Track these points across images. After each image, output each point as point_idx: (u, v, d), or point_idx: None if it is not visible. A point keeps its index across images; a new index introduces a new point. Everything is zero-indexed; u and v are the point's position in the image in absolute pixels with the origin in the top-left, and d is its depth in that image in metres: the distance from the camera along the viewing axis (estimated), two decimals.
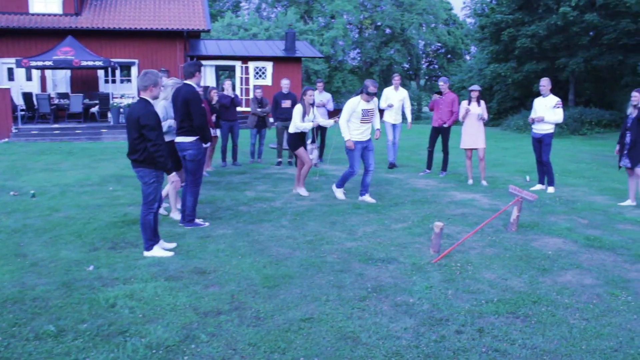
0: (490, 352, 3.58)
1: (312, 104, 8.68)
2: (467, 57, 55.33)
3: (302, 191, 8.66)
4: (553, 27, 25.42)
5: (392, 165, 11.81)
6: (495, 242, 6.14)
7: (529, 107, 28.62)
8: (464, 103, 9.99)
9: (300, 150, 8.59)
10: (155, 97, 5.41)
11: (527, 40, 26.45)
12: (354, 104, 7.88)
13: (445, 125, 10.59)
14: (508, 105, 31.11)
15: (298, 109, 8.43)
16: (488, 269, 5.22)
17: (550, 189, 9.43)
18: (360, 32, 51.56)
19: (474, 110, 9.81)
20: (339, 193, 8.41)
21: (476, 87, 10.07)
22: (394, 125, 11.59)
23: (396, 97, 11.43)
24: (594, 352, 3.64)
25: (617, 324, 4.11)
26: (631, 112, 8.24)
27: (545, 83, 9.38)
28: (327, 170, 11.05)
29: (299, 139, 8.62)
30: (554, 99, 9.28)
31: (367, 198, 8.16)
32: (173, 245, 5.71)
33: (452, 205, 8.05)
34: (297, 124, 8.42)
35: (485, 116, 9.93)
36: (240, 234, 6.21)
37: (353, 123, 7.96)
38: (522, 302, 4.41)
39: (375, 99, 8.17)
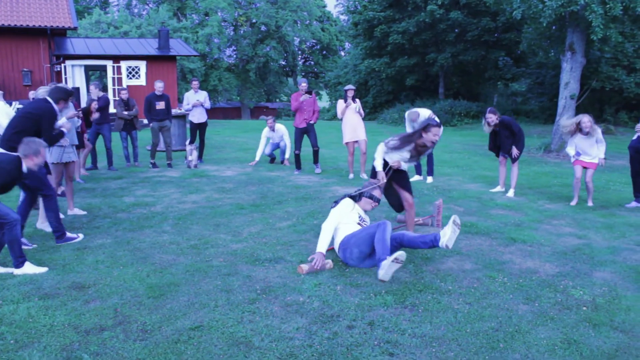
0: (382, 344, 3.64)
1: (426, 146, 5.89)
2: (342, 53, 56.57)
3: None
4: (422, 24, 26.64)
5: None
6: None
7: (403, 101, 29.83)
8: (341, 102, 10.25)
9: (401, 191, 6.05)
10: None
11: (399, 36, 27.53)
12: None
13: (311, 122, 10.40)
14: (383, 99, 32.21)
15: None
16: None
17: (430, 179, 9.86)
18: (236, 30, 51.06)
19: (351, 105, 10.09)
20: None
21: (351, 86, 10.37)
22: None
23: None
24: (478, 334, 3.81)
25: (497, 304, 4.34)
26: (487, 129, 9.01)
27: None
28: (208, 171, 10.81)
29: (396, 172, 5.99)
30: None
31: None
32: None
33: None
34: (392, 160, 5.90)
35: (362, 112, 10.25)
36: (121, 243, 5.90)
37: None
38: (409, 292, 4.53)
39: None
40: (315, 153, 10.75)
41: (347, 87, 10.36)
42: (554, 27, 17.19)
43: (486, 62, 28.23)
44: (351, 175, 10.28)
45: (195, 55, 29.11)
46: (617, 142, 19.34)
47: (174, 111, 14.36)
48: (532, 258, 5.57)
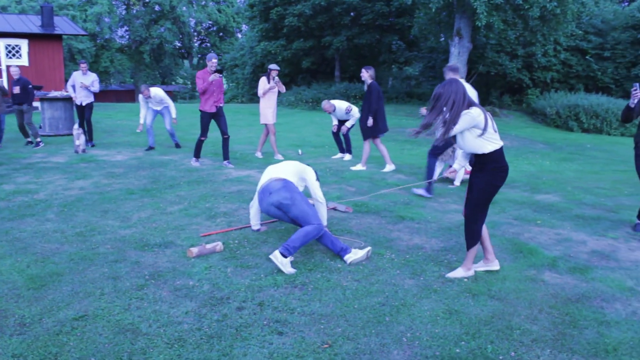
0: (271, 324, 3.67)
1: None
2: (239, 35, 55.88)
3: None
4: (318, 7, 26.76)
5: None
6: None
7: (300, 84, 29.89)
8: (264, 80, 10.12)
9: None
10: None
11: (295, 19, 27.53)
12: None
13: (220, 105, 9.50)
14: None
15: None
16: (265, 242, 5.35)
17: (348, 156, 10.73)
18: (128, 9, 49.10)
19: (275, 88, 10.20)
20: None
21: (276, 66, 10.29)
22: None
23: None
24: (365, 309, 3.93)
25: (384, 280, 4.49)
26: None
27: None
28: (96, 156, 10.39)
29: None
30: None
31: None
32: None
33: (228, 183, 8.10)
34: None
35: (283, 89, 10.41)
36: None
37: None
38: (299, 271, 4.59)
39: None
40: (226, 142, 9.59)
41: (272, 67, 10.23)
42: (443, 13, 17.85)
43: (380, 45, 28.87)
44: (279, 156, 10.44)
45: (83, 35, 27.71)
46: (502, 123, 20.45)
47: (60, 93, 13.69)
48: (419, 234, 5.80)
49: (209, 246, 5.01)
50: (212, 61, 9.06)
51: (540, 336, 3.62)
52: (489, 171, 4.41)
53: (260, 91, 10.25)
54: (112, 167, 9.23)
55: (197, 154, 9.60)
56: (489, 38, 22.51)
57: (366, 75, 9.04)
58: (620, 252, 5.49)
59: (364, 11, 26.92)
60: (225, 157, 9.66)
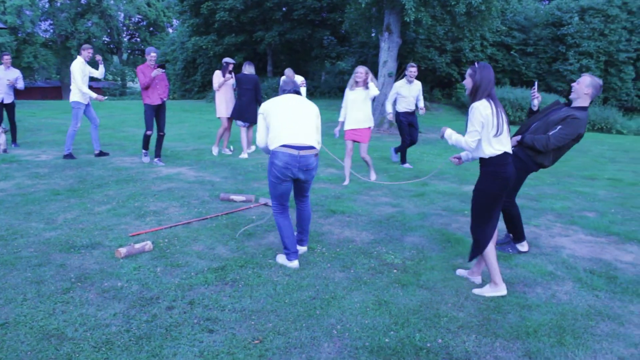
0: (202, 322, 3.64)
1: None
2: (170, 30, 54.85)
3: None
4: (249, 1, 26.57)
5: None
6: (202, 214, 6.25)
7: None
8: (219, 73, 10.30)
9: None
10: None
11: (226, 13, 27.25)
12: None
13: (165, 99, 9.17)
14: (212, 77, 31.84)
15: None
16: (196, 240, 5.29)
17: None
18: (52, 2, 47.28)
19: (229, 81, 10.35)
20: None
21: (232, 60, 10.42)
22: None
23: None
24: (296, 304, 3.95)
25: (315, 274, 4.52)
26: None
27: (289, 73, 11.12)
28: (19, 156, 9.97)
29: None
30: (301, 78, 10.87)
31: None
32: None
33: (158, 181, 7.95)
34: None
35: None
36: None
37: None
38: (230, 268, 4.57)
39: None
40: (160, 139, 9.32)
41: (228, 60, 10.31)
42: (373, 9, 18.05)
43: (312, 41, 28.97)
44: (226, 150, 10.73)
45: (2, 28, 26.50)
46: (432, 117, 20.93)
47: None
48: (350, 228, 5.87)
49: (137, 246, 4.91)
50: (151, 55, 8.89)
51: (466, 322, 3.74)
52: (483, 174, 4.18)
53: (215, 85, 10.34)
54: (36, 167, 8.88)
55: (145, 147, 9.48)
56: (418, 33, 22.94)
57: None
58: (541, 238, 5.73)
59: (296, 6, 26.95)
60: (157, 154, 9.45)
